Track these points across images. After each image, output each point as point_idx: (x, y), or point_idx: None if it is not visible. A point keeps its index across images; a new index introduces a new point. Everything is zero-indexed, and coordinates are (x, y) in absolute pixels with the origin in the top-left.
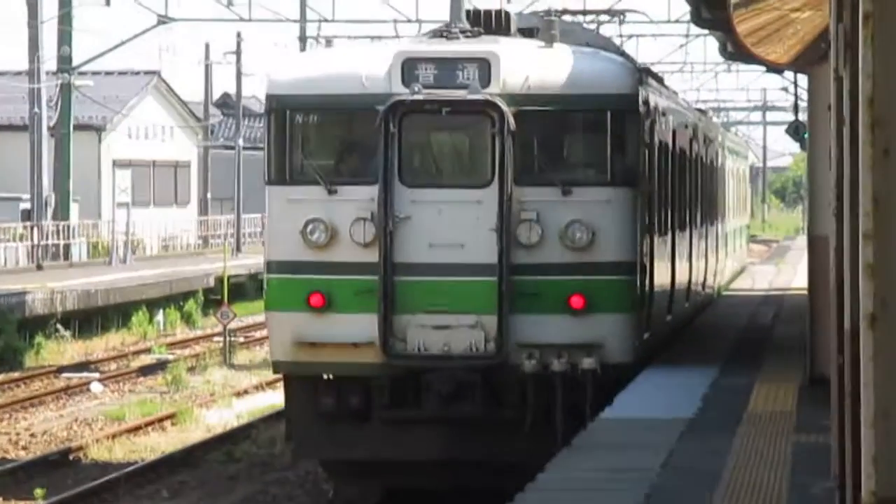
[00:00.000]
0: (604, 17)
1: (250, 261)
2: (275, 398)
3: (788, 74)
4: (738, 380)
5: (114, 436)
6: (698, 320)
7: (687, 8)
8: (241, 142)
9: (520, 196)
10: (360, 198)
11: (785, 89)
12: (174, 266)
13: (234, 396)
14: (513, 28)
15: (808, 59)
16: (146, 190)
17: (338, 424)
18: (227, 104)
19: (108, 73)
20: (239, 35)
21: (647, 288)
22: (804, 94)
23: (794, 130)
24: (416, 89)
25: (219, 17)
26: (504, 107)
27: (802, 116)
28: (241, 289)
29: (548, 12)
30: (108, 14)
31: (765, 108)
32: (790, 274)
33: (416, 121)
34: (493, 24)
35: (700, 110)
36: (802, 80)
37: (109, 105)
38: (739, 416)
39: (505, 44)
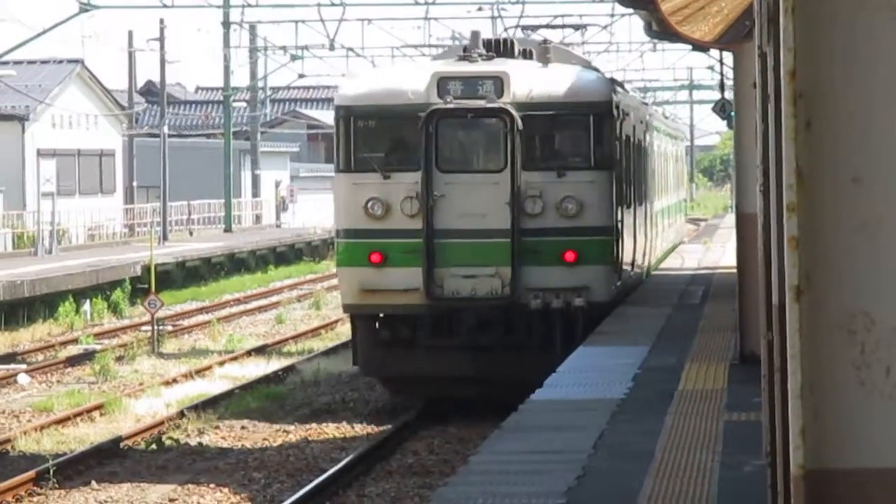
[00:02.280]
0: (569, 30)
1: (177, 249)
2: (204, 386)
3: (714, 53)
4: (668, 359)
5: (42, 427)
6: (629, 298)
7: None
8: (165, 129)
9: (526, 178)
10: (408, 181)
11: (711, 68)
12: (101, 255)
13: (162, 385)
14: (516, 51)
15: (732, 37)
16: (71, 179)
17: (392, 350)
18: (152, 92)
19: (30, 62)
20: (162, 22)
21: (623, 245)
22: (730, 73)
23: (721, 109)
24: (448, 100)
25: (141, 4)
26: (513, 112)
27: (728, 95)
28: (169, 277)
29: (532, 27)
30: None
31: (691, 86)
32: (719, 252)
33: (449, 123)
34: (502, 48)
35: (645, 103)
36: (728, 58)
37: (32, 94)
38: (671, 395)
39: (513, 64)
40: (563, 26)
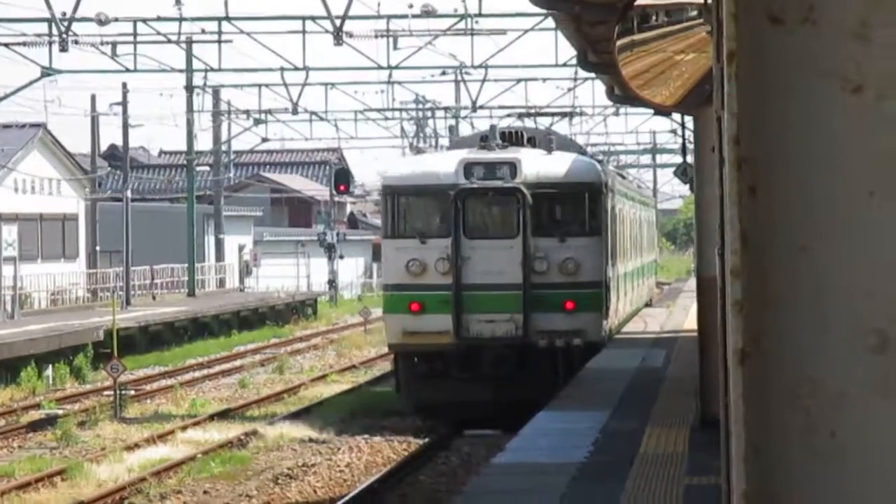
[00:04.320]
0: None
1: (140, 313)
2: (167, 451)
3: (676, 116)
4: (629, 423)
5: (3, 493)
6: (587, 366)
7: (573, 52)
8: (129, 193)
9: (534, 243)
10: (440, 245)
11: (674, 132)
12: (63, 320)
13: (125, 450)
14: (525, 140)
15: (693, 102)
16: (33, 244)
17: (428, 381)
18: (115, 156)
19: None
20: (125, 86)
21: (611, 296)
22: (692, 137)
23: (683, 172)
24: (473, 181)
25: (104, 69)
26: (525, 190)
27: (690, 158)
28: (132, 341)
29: (529, 115)
30: None
31: (654, 150)
32: (682, 316)
33: (473, 199)
34: (514, 138)
35: (623, 176)
36: (690, 122)
37: None
38: (631, 459)
39: (524, 152)
40: (555, 114)
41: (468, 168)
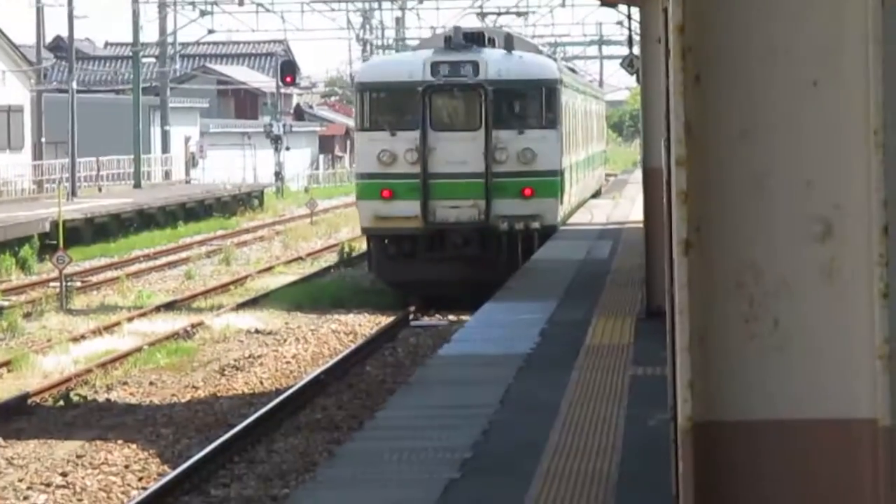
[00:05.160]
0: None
1: (86, 205)
2: (113, 343)
3: (623, 8)
4: (576, 314)
5: None
6: (535, 257)
7: None
8: (74, 85)
9: (495, 135)
10: (409, 137)
11: (620, 23)
12: (8, 212)
13: (71, 342)
14: (486, 40)
15: None
16: None
17: (397, 261)
18: (60, 47)
19: None
20: None
21: (565, 184)
22: (638, 28)
23: (629, 64)
24: (439, 78)
25: None
26: (487, 87)
27: (636, 50)
28: (78, 233)
29: (485, 14)
30: None
31: (601, 42)
32: (628, 207)
33: (439, 95)
34: (475, 39)
35: (572, 69)
36: (636, 13)
37: None
38: (577, 350)
39: (485, 52)
40: (508, 12)
41: (434, 66)
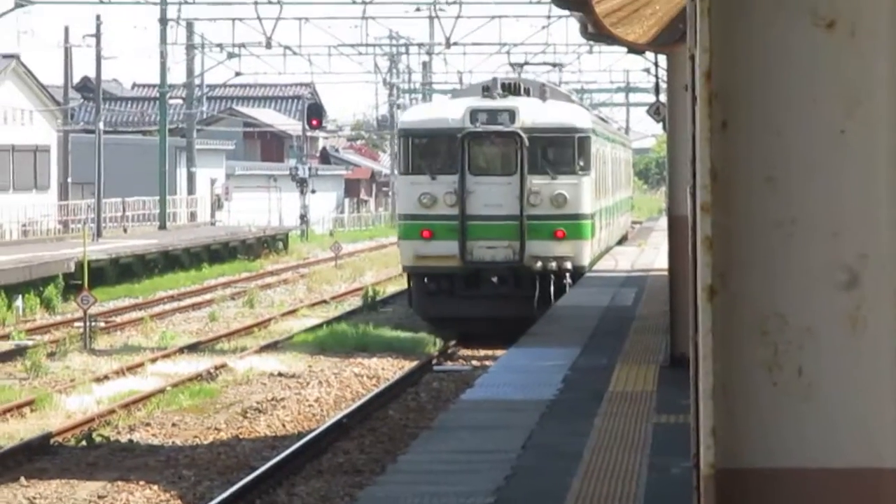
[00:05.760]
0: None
1: (111, 245)
2: (136, 383)
3: (650, 55)
4: (599, 361)
5: None
6: (559, 303)
7: None
8: (101, 125)
9: (530, 180)
10: (449, 181)
11: (647, 70)
12: (34, 251)
13: (94, 382)
14: (522, 90)
15: (666, 40)
16: (5, 175)
17: (436, 298)
18: (88, 88)
19: None
20: (98, 18)
21: (595, 227)
22: (665, 75)
23: (655, 111)
24: (477, 125)
25: (78, 0)
26: (522, 134)
27: (663, 97)
28: (102, 274)
29: (520, 64)
30: None
31: (627, 89)
32: (652, 254)
33: (477, 141)
34: (512, 88)
35: (602, 118)
36: (663, 60)
37: None
38: (600, 396)
39: (521, 101)
40: (544, 63)
41: (473, 114)
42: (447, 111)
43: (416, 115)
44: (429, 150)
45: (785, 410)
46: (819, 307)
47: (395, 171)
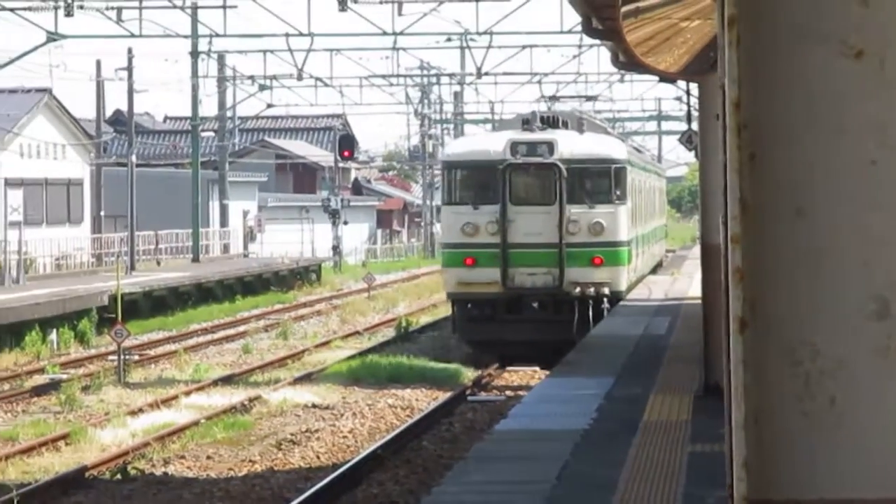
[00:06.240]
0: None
1: (144, 278)
2: (170, 416)
3: (682, 83)
4: (633, 390)
5: (7, 457)
6: (593, 332)
7: (578, 18)
8: (133, 158)
9: (568, 209)
10: (490, 211)
11: (679, 99)
12: (68, 285)
13: (128, 415)
14: (560, 123)
15: (697, 69)
16: (39, 208)
17: (479, 322)
18: (120, 121)
19: None
20: (130, 51)
21: (631, 254)
22: (697, 104)
23: (688, 140)
24: (518, 157)
25: (109, 34)
26: (561, 166)
27: (695, 126)
28: (136, 306)
29: (556, 98)
30: None
31: (660, 117)
32: (686, 283)
33: (518, 172)
34: (550, 121)
35: (637, 148)
36: (695, 89)
37: (0, 124)
38: (635, 426)
39: (559, 133)
40: (578, 97)
41: (514, 146)
42: (489, 144)
43: (459, 147)
44: (471, 181)
45: (817, 441)
46: (850, 337)
47: (426, 201)
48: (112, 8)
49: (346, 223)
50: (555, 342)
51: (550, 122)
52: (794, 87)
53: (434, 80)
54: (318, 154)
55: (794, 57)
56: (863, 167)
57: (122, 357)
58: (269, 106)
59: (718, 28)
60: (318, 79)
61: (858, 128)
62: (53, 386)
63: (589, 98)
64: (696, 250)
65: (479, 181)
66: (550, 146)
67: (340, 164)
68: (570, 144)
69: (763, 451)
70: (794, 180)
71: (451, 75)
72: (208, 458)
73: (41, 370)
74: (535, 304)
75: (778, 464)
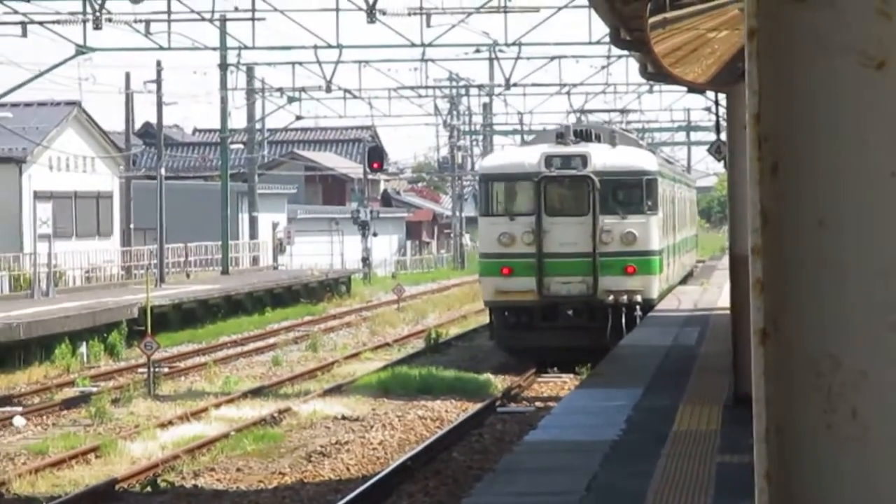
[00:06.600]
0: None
1: (174, 291)
2: (200, 428)
3: (711, 94)
4: (662, 401)
5: (37, 470)
6: (622, 343)
7: (607, 29)
8: (163, 171)
9: (602, 220)
10: (526, 222)
11: (708, 109)
12: (97, 297)
13: (158, 428)
14: (593, 136)
15: (725, 79)
16: (68, 221)
17: (516, 330)
18: (149, 134)
19: (27, 105)
20: (159, 64)
21: (663, 263)
22: (726, 114)
23: (716, 150)
24: (552, 170)
25: (138, 47)
26: (594, 178)
27: (724, 136)
28: (165, 319)
29: (590, 111)
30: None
31: (688, 128)
32: (715, 294)
33: (553, 185)
34: (584, 134)
35: (668, 160)
36: (723, 99)
37: (29, 136)
38: (664, 437)
39: (592, 146)
40: (610, 110)
41: (548, 159)
42: (524, 157)
43: (495, 160)
44: (507, 193)
45: (841, 453)
46: (873, 348)
47: (456, 213)
48: (140, 21)
49: (375, 235)
50: (589, 348)
51: (584, 135)
52: (815, 98)
53: (463, 91)
54: (348, 166)
55: (815, 68)
56: (884, 178)
57: (151, 369)
58: (298, 118)
59: (746, 39)
60: (346, 90)
61: (879, 139)
62: (83, 399)
63: (622, 112)
64: (726, 260)
65: (514, 193)
66: (584, 159)
67: (370, 176)
68: (602, 157)
69: (784, 462)
70: (816, 191)
71: (479, 86)
72: (238, 470)
73: (71, 383)
74: (570, 312)
75: (800, 476)
